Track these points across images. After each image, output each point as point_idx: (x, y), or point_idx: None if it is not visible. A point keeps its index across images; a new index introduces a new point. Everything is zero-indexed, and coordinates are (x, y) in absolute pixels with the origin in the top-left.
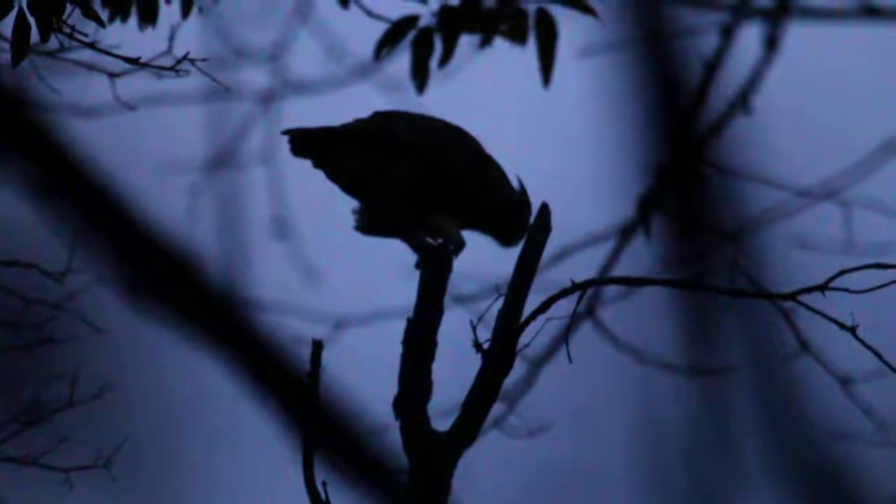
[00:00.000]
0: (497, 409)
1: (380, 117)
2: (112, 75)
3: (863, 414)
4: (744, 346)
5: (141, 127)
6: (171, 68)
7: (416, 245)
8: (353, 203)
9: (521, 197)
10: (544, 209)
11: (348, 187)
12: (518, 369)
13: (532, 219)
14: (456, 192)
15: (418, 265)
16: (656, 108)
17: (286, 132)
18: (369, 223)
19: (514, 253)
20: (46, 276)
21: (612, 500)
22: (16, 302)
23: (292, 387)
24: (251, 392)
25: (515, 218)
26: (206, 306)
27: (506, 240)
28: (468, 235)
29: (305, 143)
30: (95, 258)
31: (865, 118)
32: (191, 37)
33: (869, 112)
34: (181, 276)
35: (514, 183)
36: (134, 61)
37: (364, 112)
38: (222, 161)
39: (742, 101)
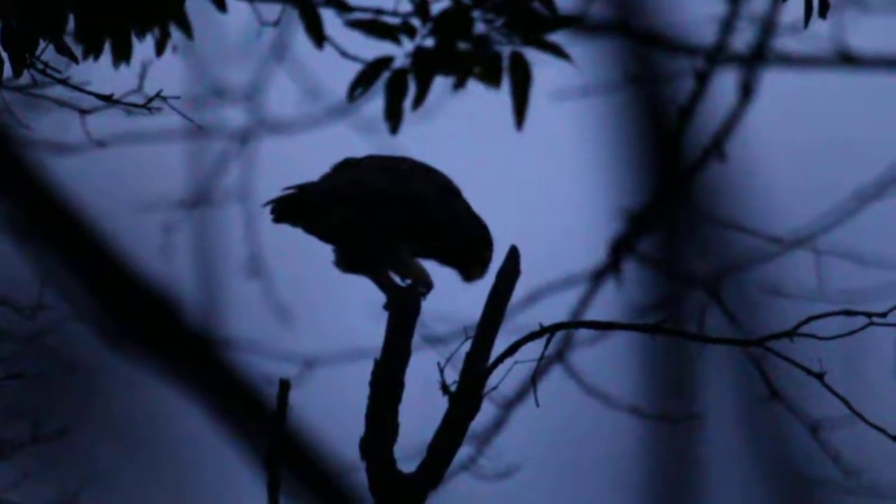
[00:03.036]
0: (468, 450)
1: (346, 168)
2: (83, 111)
3: (831, 461)
4: (718, 391)
5: (118, 164)
6: (144, 106)
7: (385, 286)
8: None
9: (484, 233)
10: (513, 252)
11: (326, 239)
12: (488, 411)
13: (494, 255)
14: (428, 227)
15: (387, 307)
16: (631, 152)
17: (266, 204)
18: (347, 262)
19: (484, 294)
20: (17, 311)
21: None
22: None
23: (262, 425)
24: (222, 429)
25: (478, 252)
26: (180, 343)
27: (468, 274)
28: (438, 276)
29: (285, 210)
30: (69, 294)
31: (839, 166)
32: (168, 75)
33: (843, 160)
34: (156, 313)
35: (479, 218)
36: (106, 98)
37: (339, 152)
38: (198, 199)
39: (717, 147)
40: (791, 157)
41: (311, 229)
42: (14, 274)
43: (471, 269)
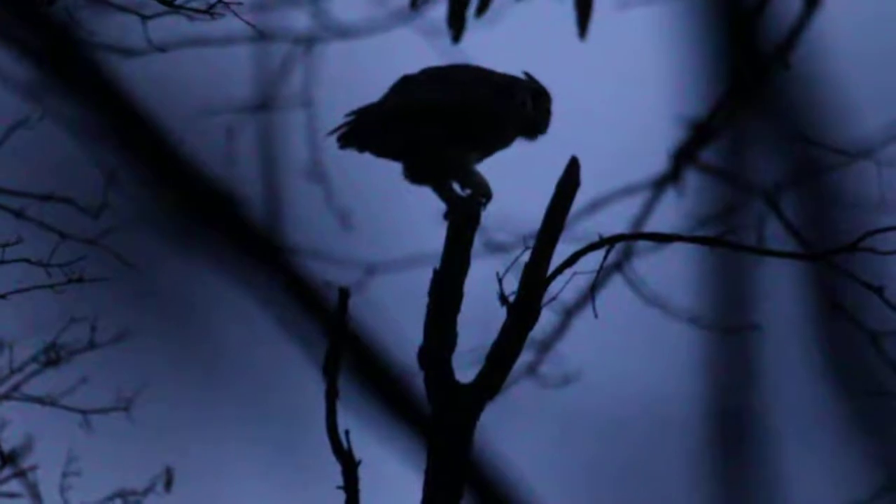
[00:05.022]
0: (528, 357)
1: (403, 86)
2: (145, 17)
3: (892, 371)
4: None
5: (180, 69)
6: (206, 11)
7: (445, 196)
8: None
9: (536, 87)
10: (573, 163)
11: (393, 158)
12: (548, 319)
13: (550, 116)
14: (489, 132)
15: (447, 216)
16: (695, 60)
17: (329, 134)
18: (416, 175)
19: (544, 203)
20: (81, 211)
21: (642, 447)
22: (49, 237)
23: (322, 330)
24: (283, 333)
25: (537, 108)
26: (244, 246)
27: (532, 133)
28: (500, 184)
29: (349, 138)
30: (133, 195)
31: None
32: None
33: None
34: (220, 215)
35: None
36: (168, 3)
37: (403, 57)
38: (262, 103)
39: (782, 55)
40: (859, 66)
41: (377, 152)
42: (78, 174)
43: (533, 132)
